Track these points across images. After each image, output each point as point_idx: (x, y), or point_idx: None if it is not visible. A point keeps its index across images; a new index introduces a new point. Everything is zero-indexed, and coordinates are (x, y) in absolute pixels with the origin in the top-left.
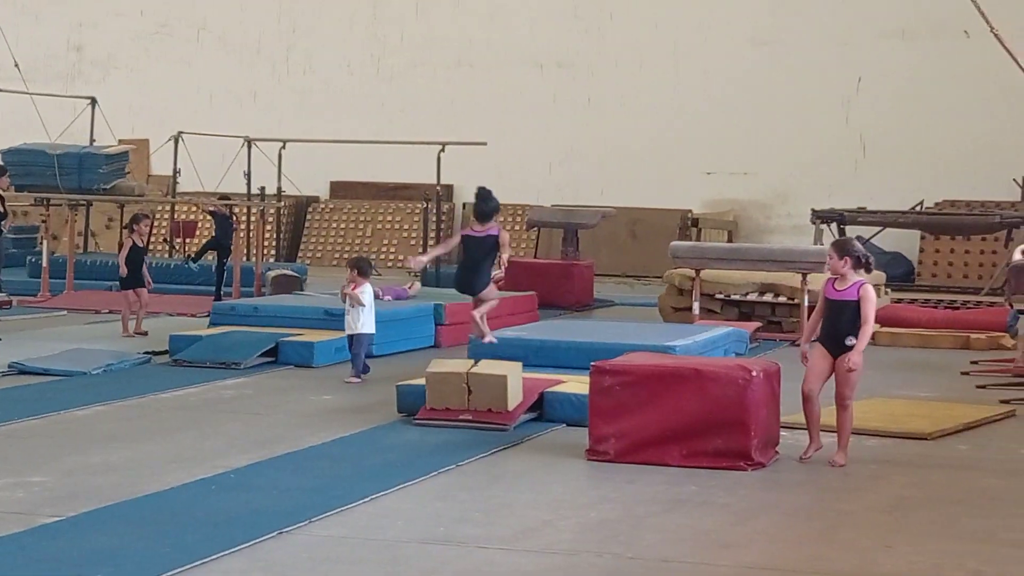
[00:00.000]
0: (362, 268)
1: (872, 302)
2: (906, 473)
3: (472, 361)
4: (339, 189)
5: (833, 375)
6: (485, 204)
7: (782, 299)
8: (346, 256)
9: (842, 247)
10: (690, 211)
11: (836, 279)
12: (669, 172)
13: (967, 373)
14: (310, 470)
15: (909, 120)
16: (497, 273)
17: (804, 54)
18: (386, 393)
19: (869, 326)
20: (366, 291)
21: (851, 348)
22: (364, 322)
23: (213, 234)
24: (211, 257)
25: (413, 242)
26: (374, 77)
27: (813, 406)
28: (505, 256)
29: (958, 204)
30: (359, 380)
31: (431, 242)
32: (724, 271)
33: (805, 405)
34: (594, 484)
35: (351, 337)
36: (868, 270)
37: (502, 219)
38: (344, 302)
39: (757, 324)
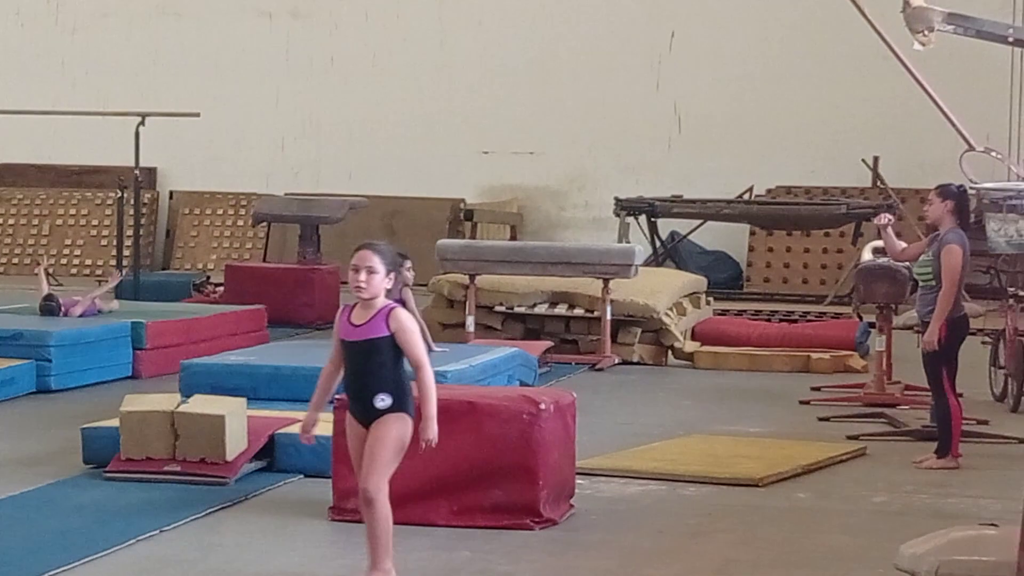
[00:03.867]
0: None
1: (416, 335)
2: (733, 529)
3: (180, 397)
4: (5, 174)
5: None
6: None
7: (578, 312)
8: (15, 262)
9: (376, 248)
10: (462, 201)
11: (353, 307)
12: (435, 152)
13: (807, 402)
14: None
15: (735, 87)
16: None
17: (603, 1)
18: (67, 439)
19: (424, 372)
20: None
21: (384, 412)
22: None
23: None
24: None
25: (104, 241)
26: (51, 28)
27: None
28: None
29: (795, 191)
30: None
31: (128, 240)
32: (506, 277)
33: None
34: (340, 551)
35: None
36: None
37: (221, 211)
38: None
39: (548, 343)
